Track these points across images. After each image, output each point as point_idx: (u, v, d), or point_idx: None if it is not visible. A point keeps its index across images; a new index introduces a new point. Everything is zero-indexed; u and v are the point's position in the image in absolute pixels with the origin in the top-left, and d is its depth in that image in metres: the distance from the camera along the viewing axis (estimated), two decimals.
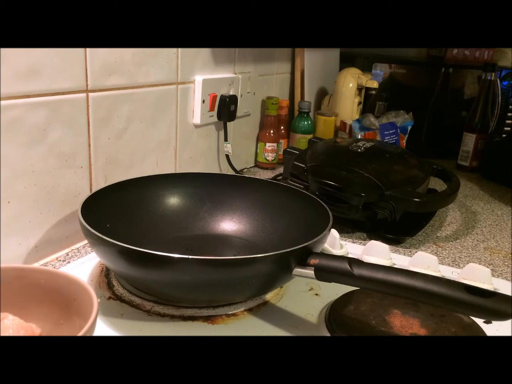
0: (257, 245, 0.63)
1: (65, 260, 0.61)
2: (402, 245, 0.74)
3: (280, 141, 1.12)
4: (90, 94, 0.61)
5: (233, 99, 0.89)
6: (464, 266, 0.62)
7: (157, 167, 0.77)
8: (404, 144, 1.12)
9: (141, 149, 0.73)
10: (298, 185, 0.78)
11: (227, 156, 0.95)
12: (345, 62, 1.31)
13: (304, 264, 0.47)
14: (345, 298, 0.53)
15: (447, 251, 0.73)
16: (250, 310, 0.52)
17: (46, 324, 0.42)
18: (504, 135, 1.23)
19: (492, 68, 1.18)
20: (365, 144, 0.86)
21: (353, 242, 0.73)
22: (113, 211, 0.59)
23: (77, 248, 0.64)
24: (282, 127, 1.12)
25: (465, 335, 0.48)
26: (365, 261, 0.49)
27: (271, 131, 1.07)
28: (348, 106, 1.19)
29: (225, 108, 0.88)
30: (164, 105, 0.76)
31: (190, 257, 0.43)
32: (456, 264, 0.69)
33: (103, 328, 0.47)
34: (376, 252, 0.65)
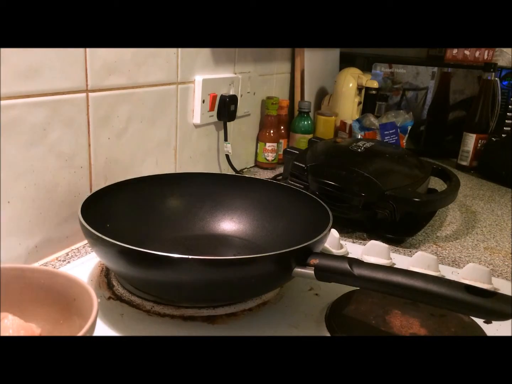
0: (257, 245, 0.63)
1: (65, 260, 0.61)
2: (402, 245, 0.74)
3: (280, 141, 1.12)
4: (90, 94, 0.61)
5: (233, 99, 0.89)
6: (464, 266, 0.62)
7: (157, 167, 0.77)
8: (404, 144, 1.12)
9: (141, 149, 0.73)
10: (298, 185, 0.78)
11: (227, 156, 0.95)
12: (345, 62, 1.31)
13: (304, 264, 0.47)
14: (345, 298, 0.53)
15: (447, 251, 0.73)
16: (250, 310, 0.52)
17: (46, 324, 0.42)
18: (504, 135, 1.23)
19: (492, 68, 1.18)
20: (365, 144, 0.86)
21: (353, 242, 0.73)
22: (113, 211, 0.59)
23: (77, 248, 0.64)
24: (282, 127, 1.12)
25: (465, 335, 0.48)
26: (365, 261, 0.49)
27: (271, 131, 1.07)
28: (348, 106, 1.19)
29: (225, 108, 0.88)
30: (164, 105, 0.76)
31: (190, 257, 0.43)
32: (456, 264, 0.69)
33: (103, 328, 0.47)
34: (376, 252, 0.65)
